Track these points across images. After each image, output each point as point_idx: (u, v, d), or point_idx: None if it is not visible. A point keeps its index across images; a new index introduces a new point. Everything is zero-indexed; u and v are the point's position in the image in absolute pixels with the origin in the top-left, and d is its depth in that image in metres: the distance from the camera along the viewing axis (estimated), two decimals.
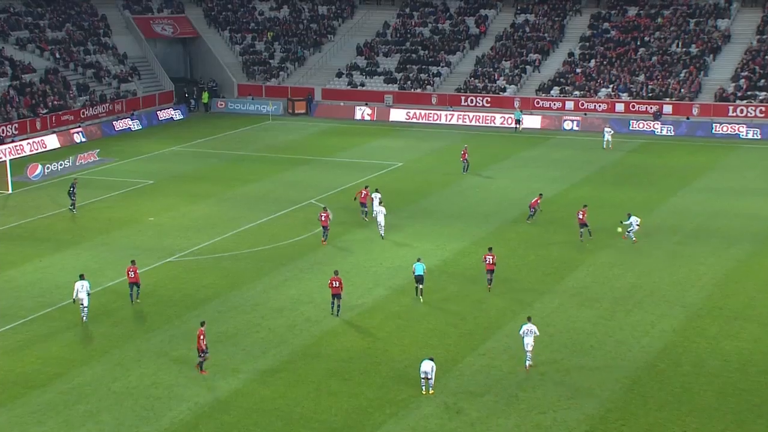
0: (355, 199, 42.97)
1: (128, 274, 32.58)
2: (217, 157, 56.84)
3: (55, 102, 63.02)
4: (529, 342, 27.52)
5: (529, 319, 28.30)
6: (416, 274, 33.22)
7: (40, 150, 57.87)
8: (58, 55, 68.63)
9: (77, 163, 53.56)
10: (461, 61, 73.46)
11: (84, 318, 30.95)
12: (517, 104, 66.72)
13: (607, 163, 53.45)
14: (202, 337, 27.23)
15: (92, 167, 53.85)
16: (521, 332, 27.82)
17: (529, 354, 27.55)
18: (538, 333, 27.83)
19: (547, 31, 73.37)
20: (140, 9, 77.78)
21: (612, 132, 57.72)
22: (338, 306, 31.37)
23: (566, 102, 66.49)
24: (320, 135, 64.22)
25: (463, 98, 68.85)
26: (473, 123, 66.64)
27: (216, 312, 31.83)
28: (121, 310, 31.91)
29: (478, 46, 74.19)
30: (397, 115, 68.86)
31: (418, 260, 33.78)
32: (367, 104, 70.26)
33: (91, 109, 64.98)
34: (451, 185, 48.76)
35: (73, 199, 44.26)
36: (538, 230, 40.88)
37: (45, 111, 61.83)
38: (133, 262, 33.06)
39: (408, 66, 73.23)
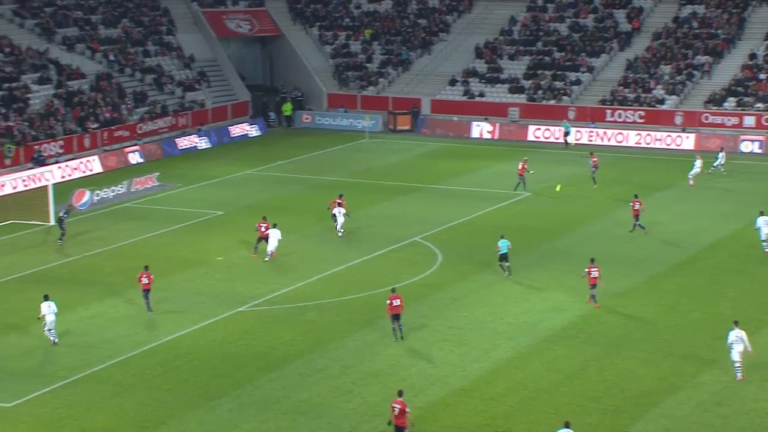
0: (328, 208, 47.03)
1: (140, 280, 36.85)
2: (300, 183, 57.77)
3: (108, 114, 65.29)
4: (738, 351, 30.65)
5: (736, 324, 31.06)
6: (501, 252, 39.65)
7: (88, 173, 60.01)
8: (112, 58, 71.17)
9: (132, 189, 55.25)
10: (607, 66, 72.90)
11: (53, 340, 34.21)
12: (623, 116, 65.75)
13: None
14: (407, 410, 27.07)
15: (150, 194, 55.45)
16: (729, 342, 30.89)
17: (738, 365, 30.62)
18: (748, 345, 30.82)
19: (722, 26, 72.20)
20: (211, 1, 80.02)
21: None
22: (400, 327, 34.22)
23: (745, 117, 65.17)
24: (428, 157, 64.51)
25: (608, 112, 68.24)
26: (622, 143, 65.88)
27: (297, 375, 32.21)
28: (180, 372, 32.62)
29: (630, 47, 73.54)
30: (525, 132, 68.73)
31: (502, 237, 39.82)
32: (487, 119, 70.36)
33: (150, 123, 67.11)
34: (593, 222, 48.26)
35: (63, 229, 46.10)
36: (704, 281, 40.07)
37: (95, 125, 64.11)
38: (146, 267, 37.25)
39: (539, 72, 73.11)
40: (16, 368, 32.67)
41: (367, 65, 77.78)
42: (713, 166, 56.64)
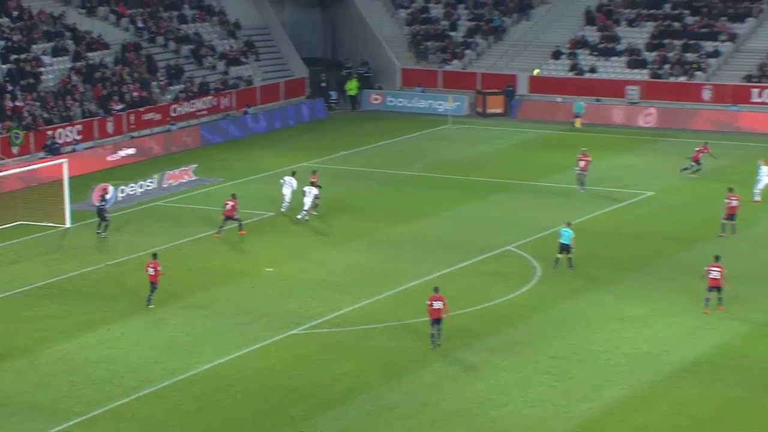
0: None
1: (147, 269, 39.48)
2: (368, 178, 57.91)
3: (136, 94, 66.15)
4: None
5: None
6: (562, 242, 42.10)
7: (111, 164, 60.72)
8: (141, 24, 72.08)
9: (164, 184, 55.87)
10: (755, 33, 72.16)
11: None
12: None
13: None
14: None
15: (185, 191, 55.99)
16: None
17: None
18: None
19: None
20: None
21: None
22: (439, 333, 36.07)
23: None
24: (525, 147, 64.34)
25: (755, 91, 67.67)
26: None
27: (364, 414, 32.31)
28: (221, 408, 32.91)
29: None
30: (646, 116, 68.33)
31: (568, 225, 42.48)
32: (599, 101, 69.96)
33: (186, 104, 67.84)
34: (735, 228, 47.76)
35: (105, 219, 47.98)
36: None
37: (120, 107, 64.98)
38: (154, 256, 39.96)
39: (666, 41, 72.51)
40: (23, 402, 33.09)
41: (451, 34, 77.81)
42: None
